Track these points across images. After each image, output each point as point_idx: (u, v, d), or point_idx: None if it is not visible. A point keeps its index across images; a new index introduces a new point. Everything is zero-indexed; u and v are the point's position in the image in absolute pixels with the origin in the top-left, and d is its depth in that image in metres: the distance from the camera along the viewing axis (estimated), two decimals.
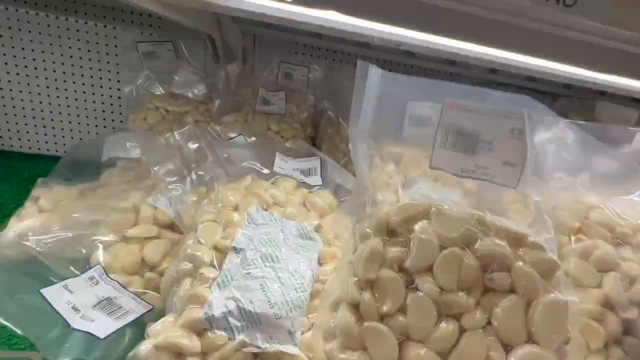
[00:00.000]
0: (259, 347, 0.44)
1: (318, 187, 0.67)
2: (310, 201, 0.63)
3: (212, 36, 0.90)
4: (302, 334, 0.47)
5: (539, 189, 0.56)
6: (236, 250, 0.49)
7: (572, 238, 0.55)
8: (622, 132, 0.60)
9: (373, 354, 0.39)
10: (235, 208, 0.55)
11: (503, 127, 0.47)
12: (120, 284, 0.49)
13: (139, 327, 0.45)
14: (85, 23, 1.04)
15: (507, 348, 0.39)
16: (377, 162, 0.68)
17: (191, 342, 0.41)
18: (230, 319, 0.44)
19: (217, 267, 0.47)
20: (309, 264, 0.52)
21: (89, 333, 0.41)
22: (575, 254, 0.52)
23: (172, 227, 0.61)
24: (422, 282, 0.40)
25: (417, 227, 0.42)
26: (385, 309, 0.40)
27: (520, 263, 0.41)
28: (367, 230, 0.45)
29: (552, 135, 0.58)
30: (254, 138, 0.73)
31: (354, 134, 0.64)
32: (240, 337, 0.44)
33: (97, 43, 1.06)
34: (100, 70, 1.10)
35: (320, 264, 0.55)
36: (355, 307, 0.42)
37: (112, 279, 0.49)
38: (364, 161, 0.66)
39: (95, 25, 1.05)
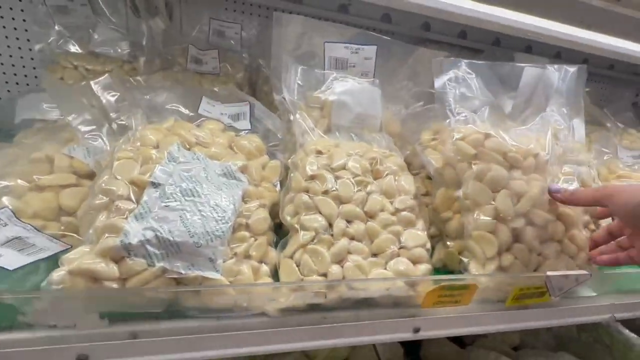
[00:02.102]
0: (180, 274, 0.46)
1: (246, 131, 0.68)
2: (237, 144, 0.64)
3: None
4: (224, 261, 0.50)
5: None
6: (154, 184, 0.49)
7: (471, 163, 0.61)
8: (513, 68, 0.67)
9: None
10: (156, 146, 0.55)
11: None
12: (33, 227, 0.47)
13: (56, 265, 0.44)
14: None
15: None
16: (302, 108, 0.71)
17: (108, 268, 0.42)
18: (149, 247, 0.44)
19: (134, 200, 0.47)
20: (232, 199, 0.54)
21: None
22: (472, 176, 0.59)
23: (91, 176, 0.59)
24: None
25: None
26: None
27: None
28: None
29: (454, 75, 0.64)
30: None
31: (279, 85, 0.66)
32: (160, 264, 0.45)
33: None
34: (4, 28, 1.00)
35: (245, 201, 0.57)
36: None
37: (23, 222, 0.47)
38: (292, 108, 0.69)
39: None
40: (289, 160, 0.64)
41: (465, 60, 0.65)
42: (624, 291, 0.78)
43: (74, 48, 0.99)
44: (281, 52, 0.67)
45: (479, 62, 0.66)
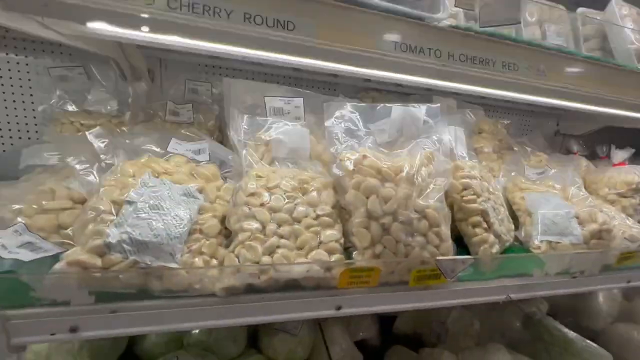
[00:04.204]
0: (147, 264, 0.64)
1: (205, 162, 0.89)
2: (197, 171, 0.84)
3: (116, 60, 1.09)
4: (181, 255, 0.68)
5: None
6: (129, 202, 0.68)
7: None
8: (385, 108, 0.90)
9: None
10: (132, 176, 0.75)
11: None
12: (40, 237, 0.66)
13: (57, 260, 0.62)
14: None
15: None
16: (251, 145, 0.93)
17: (94, 260, 0.60)
18: (124, 246, 0.63)
19: (114, 214, 0.67)
20: (189, 212, 0.73)
21: (16, 259, 0.58)
22: (351, 187, 0.80)
23: (84, 202, 0.79)
24: None
25: None
26: None
27: None
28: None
29: (341, 114, 0.87)
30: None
31: (231, 130, 0.89)
32: (132, 258, 0.63)
33: (10, 70, 1.20)
34: (13, 94, 1.23)
35: (201, 213, 0.77)
36: None
37: (33, 233, 0.66)
38: (239, 147, 0.91)
39: (6, 54, 1.18)
40: (237, 184, 0.85)
41: (350, 103, 0.89)
42: (516, 274, 0.97)
43: (71, 107, 1.22)
44: (231, 106, 0.90)
45: (360, 104, 0.89)
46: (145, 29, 0.57)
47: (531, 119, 2.00)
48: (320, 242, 0.78)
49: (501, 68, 0.71)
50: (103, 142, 0.89)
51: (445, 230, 0.86)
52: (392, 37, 0.62)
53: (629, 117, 0.94)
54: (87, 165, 0.83)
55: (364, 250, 0.79)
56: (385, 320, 1.77)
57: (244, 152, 0.90)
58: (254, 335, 1.21)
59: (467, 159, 1.10)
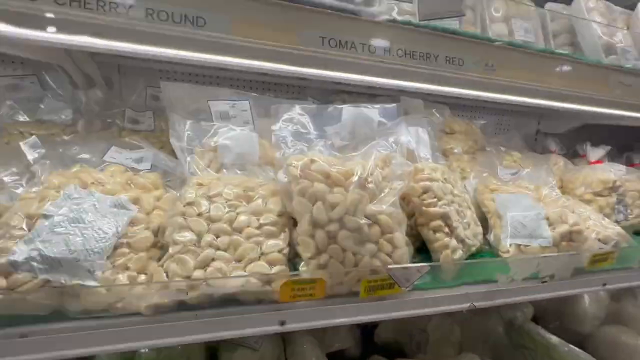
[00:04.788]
0: (61, 283, 0.59)
1: (146, 170, 0.85)
2: (134, 181, 0.80)
3: (64, 68, 1.04)
4: (102, 272, 0.63)
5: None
6: (45, 216, 0.64)
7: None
8: (335, 109, 0.86)
9: None
10: (57, 188, 0.70)
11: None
12: None
13: None
14: None
15: None
16: (197, 152, 0.88)
17: None
18: (33, 263, 0.58)
19: (26, 229, 0.62)
20: (116, 224, 0.68)
21: None
22: (296, 193, 0.75)
23: None
24: None
25: None
26: None
27: None
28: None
29: (289, 117, 0.83)
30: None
31: (172, 136, 0.84)
32: (42, 276, 0.58)
33: None
34: None
35: (132, 225, 0.72)
36: None
37: None
38: (183, 154, 0.87)
39: None
40: (177, 194, 0.80)
41: (299, 105, 0.84)
42: (480, 281, 0.92)
43: (22, 118, 1.18)
44: (171, 112, 0.86)
45: (310, 105, 0.85)
46: (51, 29, 0.53)
47: (511, 118, 1.96)
48: (262, 253, 0.74)
49: (444, 63, 0.67)
50: (38, 152, 0.84)
51: (400, 236, 0.82)
52: (318, 32, 0.58)
53: (597, 112, 0.90)
54: (17, 177, 0.78)
55: (309, 260, 0.75)
56: (368, 329, 1.72)
57: (188, 159, 0.86)
58: (215, 351, 1.15)
59: (430, 160, 1.05)
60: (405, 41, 0.64)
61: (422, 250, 0.97)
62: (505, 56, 0.71)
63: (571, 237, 1.02)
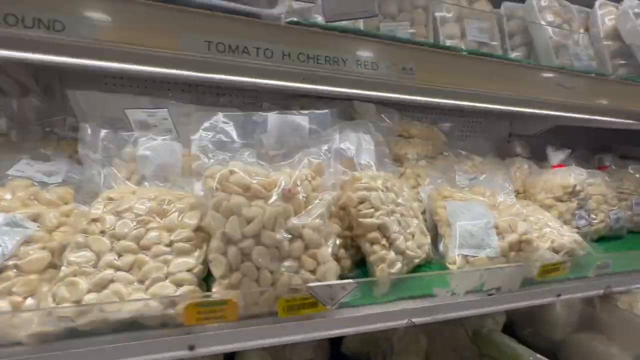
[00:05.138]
0: None
1: (56, 184, 0.80)
2: (39, 196, 0.75)
3: None
4: None
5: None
6: None
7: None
8: (261, 116, 0.81)
9: None
10: None
11: None
12: None
13: None
14: None
15: None
16: (115, 163, 0.83)
17: None
18: None
19: None
20: (6, 245, 0.64)
21: None
22: (210, 207, 0.70)
23: None
24: None
25: None
26: None
27: None
28: None
29: (211, 125, 0.78)
30: None
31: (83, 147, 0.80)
32: None
33: None
34: None
35: (27, 244, 0.67)
36: None
37: None
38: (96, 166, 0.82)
39: None
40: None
41: (222, 112, 0.79)
42: (418, 296, 0.87)
43: None
44: (82, 121, 0.81)
45: (235, 113, 0.80)
46: None
47: (483, 120, 1.91)
48: (169, 273, 0.69)
49: (355, 67, 0.63)
50: None
51: (326, 251, 0.77)
52: (205, 36, 0.53)
53: (535, 113, 0.85)
54: None
55: (220, 279, 0.70)
56: (337, 339, 1.68)
57: (104, 171, 0.81)
58: None
59: (374, 167, 1.01)
60: (308, 45, 0.59)
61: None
62: (426, 58, 0.67)
63: (520, 247, 0.97)
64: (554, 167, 1.34)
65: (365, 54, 0.62)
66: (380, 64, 0.64)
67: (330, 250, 0.78)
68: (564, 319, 1.73)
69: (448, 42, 1.14)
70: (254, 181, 0.73)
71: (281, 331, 0.73)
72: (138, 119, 0.82)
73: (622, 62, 1.17)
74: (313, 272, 0.75)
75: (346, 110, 1.34)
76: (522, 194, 1.39)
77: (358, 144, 0.99)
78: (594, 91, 0.85)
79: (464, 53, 0.71)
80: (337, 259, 0.90)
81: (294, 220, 0.75)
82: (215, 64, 0.55)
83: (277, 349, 1.40)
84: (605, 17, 1.18)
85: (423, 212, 1.19)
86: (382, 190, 0.95)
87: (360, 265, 0.94)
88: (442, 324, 1.65)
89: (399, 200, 1.00)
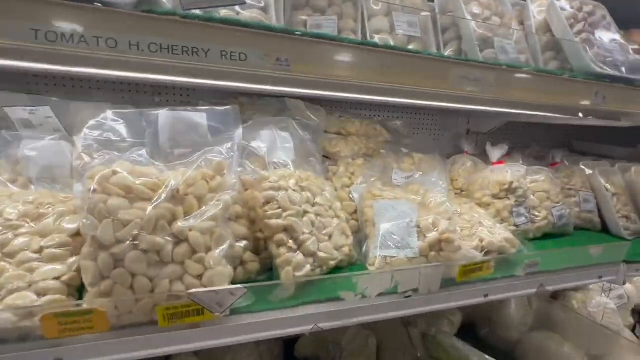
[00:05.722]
0: None
1: None
2: None
3: None
4: None
5: None
6: None
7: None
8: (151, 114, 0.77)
9: None
10: None
11: None
12: None
13: None
14: None
15: None
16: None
17: None
18: None
19: None
20: None
21: None
22: (85, 210, 0.65)
23: None
24: None
25: None
26: None
27: None
28: None
29: (98, 123, 0.73)
30: None
31: None
32: None
33: None
34: None
35: None
36: None
37: None
38: None
39: None
40: None
41: (112, 109, 0.75)
42: (326, 300, 0.83)
43: None
44: None
45: (126, 110, 0.76)
46: None
47: (438, 118, 1.89)
48: (32, 282, 0.64)
49: (220, 58, 0.59)
50: None
51: (216, 255, 0.73)
52: (30, 24, 0.49)
53: (444, 107, 0.81)
54: None
55: (90, 287, 0.65)
56: (291, 343, 1.64)
57: None
58: None
59: (291, 166, 0.97)
60: (162, 34, 0.55)
61: None
62: (304, 49, 0.63)
63: (441, 247, 0.94)
64: (494, 164, 1.31)
65: (231, 44, 0.58)
66: (250, 55, 0.60)
67: (222, 253, 0.74)
68: (519, 319, 1.70)
69: (376, 37, 1.12)
70: (138, 182, 0.68)
71: (163, 341, 0.69)
72: (19, 117, 0.78)
73: (554, 55, 1.15)
74: (200, 277, 0.71)
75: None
76: (465, 192, 1.36)
77: (272, 141, 0.96)
78: (504, 84, 0.82)
79: (349, 43, 0.67)
80: (243, 262, 0.86)
81: (180, 223, 0.71)
82: (47, 54, 0.51)
83: (217, 355, 1.36)
84: (537, 10, 1.16)
85: (355, 212, 1.16)
86: (295, 190, 0.91)
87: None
88: (393, 326, 1.63)
89: (317, 200, 0.96)
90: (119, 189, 0.68)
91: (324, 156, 1.25)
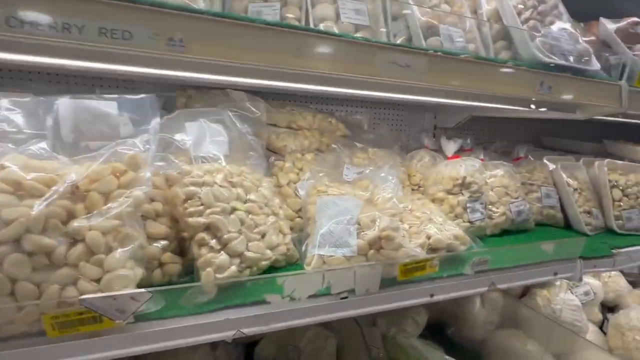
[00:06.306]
0: None
1: None
2: None
3: None
4: None
5: None
6: None
7: None
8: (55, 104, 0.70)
9: None
10: None
11: None
12: None
13: None
14: None
15: None
16: None
17: None
18: None
19: None
20: None
21: None
22: None
23: None
24: None
25: None
26: None
27: None
28: None
29: None
30: None
31: None
32: None
33: None
34: None
35: None
36: None
37: None
38: None
39: None
40: None
41: (7, 97, 0.68)
42: (250, 303, 0.78)
43: None
44: None
45: (24, 99, 0.69)
46: None
47: (403, 112, 1.85)
48: None
49: (97, 36, 0.52)
50: None
51: (118, 256, 0.66)
52: None
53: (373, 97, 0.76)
54: None
55: None
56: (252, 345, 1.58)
57: None
58: None
59: (222, 161, 0.91)
60: (27, 6, 0.49)
61: None
62: (201, 29, 0.57)
63: (381, 245, 0.89)
64: (449, 158, 1.27)
65: (112, 20, 0.52)
66: (136, 34, 0.53)
67: (127, 255, 0.68)
68: (483, 318, 1.67)
69: (321, 26, 1.06)
70: (29, 177, 0.62)
71: (53, 353, 0.62)
72: None
73: (506, 45, 1.11)
74: (98, 281, 0.65)
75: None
76: (422, 187, 1.32)
77: (200, 134, 0.89)
78: (438, 72, 0.77)
79: (258, 24, 0.61)
80: (162, 264, 0.80)
81: (77, 222, 0.65)
82: None
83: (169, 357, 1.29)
84: None
85: (301, 209, 1.10)
86: (222, 186, 0.85)
87: None
88: (353, 327, 1.58)
89: (250, 197, 0.90)
90: (5, 184, 0.61)
91: (271, 150, 1.19)
